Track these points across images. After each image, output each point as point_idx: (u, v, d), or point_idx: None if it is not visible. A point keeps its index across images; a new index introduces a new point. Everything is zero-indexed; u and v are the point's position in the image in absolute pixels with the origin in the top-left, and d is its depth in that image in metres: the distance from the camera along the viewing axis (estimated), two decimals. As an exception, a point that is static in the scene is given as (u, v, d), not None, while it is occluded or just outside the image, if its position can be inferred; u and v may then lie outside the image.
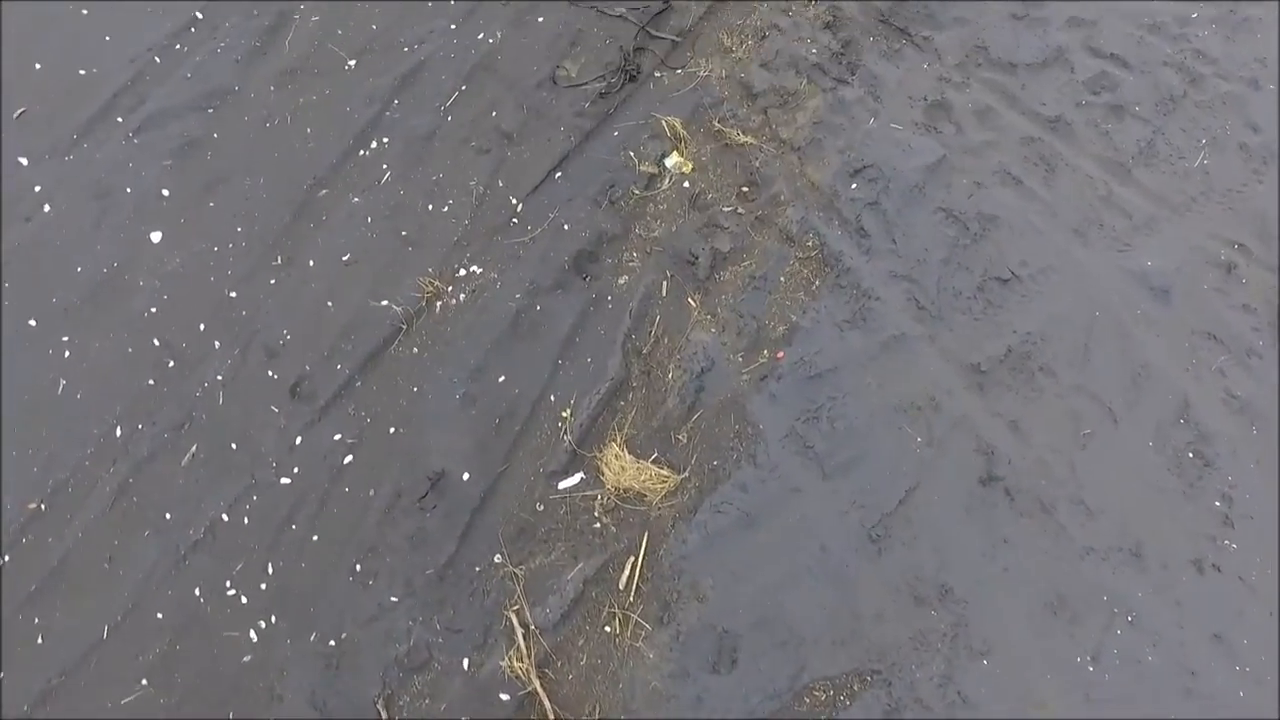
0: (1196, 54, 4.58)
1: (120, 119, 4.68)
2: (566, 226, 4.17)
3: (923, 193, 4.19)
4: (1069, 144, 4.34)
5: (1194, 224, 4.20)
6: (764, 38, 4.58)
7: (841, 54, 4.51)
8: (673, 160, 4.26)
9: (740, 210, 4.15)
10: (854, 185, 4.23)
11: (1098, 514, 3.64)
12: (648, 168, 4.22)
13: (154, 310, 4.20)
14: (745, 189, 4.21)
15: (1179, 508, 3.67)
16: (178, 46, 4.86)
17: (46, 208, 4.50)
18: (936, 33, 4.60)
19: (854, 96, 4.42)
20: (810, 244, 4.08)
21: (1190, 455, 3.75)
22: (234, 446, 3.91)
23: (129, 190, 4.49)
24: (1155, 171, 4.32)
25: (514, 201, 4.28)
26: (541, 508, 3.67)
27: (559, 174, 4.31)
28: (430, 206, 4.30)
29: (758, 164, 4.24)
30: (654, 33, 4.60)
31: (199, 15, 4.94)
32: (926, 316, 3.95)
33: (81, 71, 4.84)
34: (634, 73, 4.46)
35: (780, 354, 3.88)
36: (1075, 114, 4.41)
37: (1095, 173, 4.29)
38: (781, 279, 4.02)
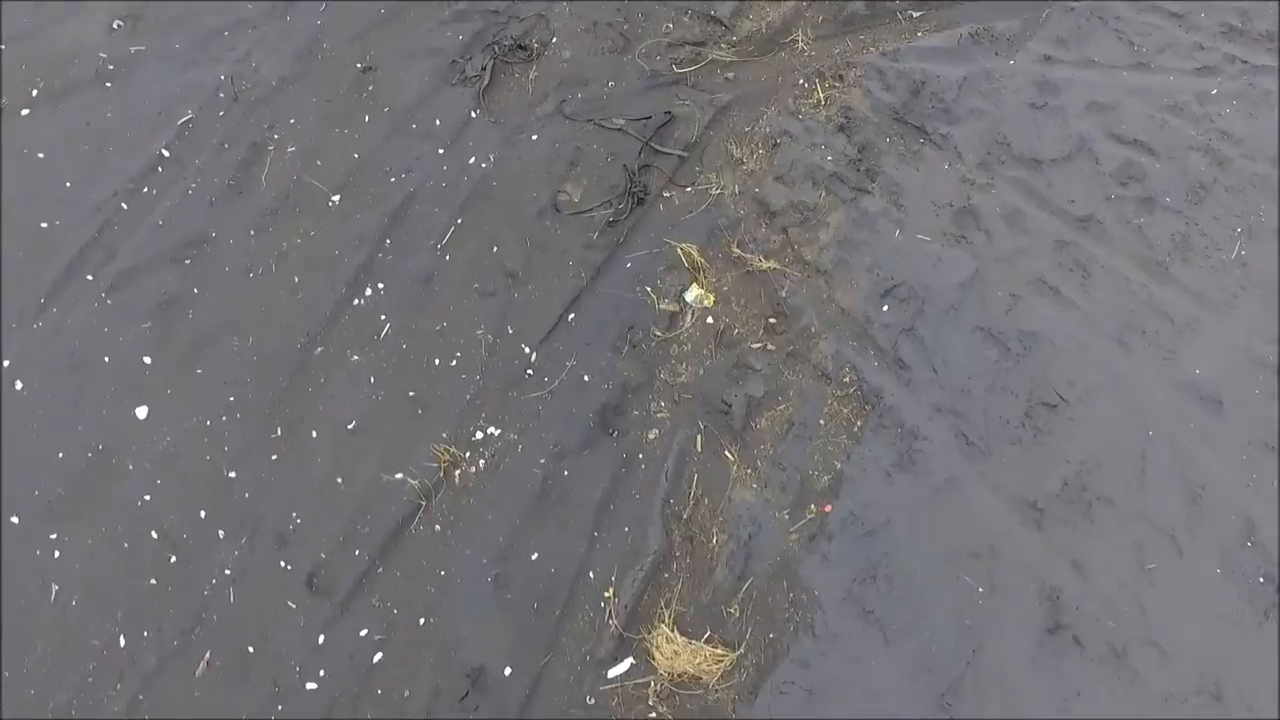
0: (1221, 134, 4.38)
1: (90, 277, 4.31)
2: (587, 377, 3.89)
3: (958, 312, 3.96)
4: (1102, 244, 4.13)
5: (1237, 323, 4.01)
6: (775, 145, 4.30)
7: (859, 160, 4.25)
8: (693, 294, 3.99)
9: (770, 346, 3.90)
10: (886, 308, 4.00)
11: (1172, 655, 3.47)
12: (668, 306, 3.95)
13: (148, 498, 3.87)
14: (773, 320, 3.95)
15: (1256, 640, 3.50)
16: (145, 190, 4.48)
17: (18, 385, 4.13)
18: (954, 128, 4.35)
19: (876, 207, 4.17)
20: (847, 379, 3.84)
21: (1260, 580, 3.58)
22: (251, 650, 3.61)
23: (107, 360, 4.13)
24: (1192, 267, 4.12)
25: (527, 350, 3.98)
26: (592, 701, 3.42)
27: (572, 316, 4.02)
28: (437, 361, 4.00)
29: (784, 293, 3.98)
30: (658, 147, 4.31)
31: (165, 153, 4.56)
32: (976, 453, 3.74)
33: (43, 224, 4.46)
34: (641, 195, 4.17)
35: (828, 507, 3.65)
36: (1105, 210, 4.20)
37: (1132, 274, 4.09)
38: (821, 422, 3.78)
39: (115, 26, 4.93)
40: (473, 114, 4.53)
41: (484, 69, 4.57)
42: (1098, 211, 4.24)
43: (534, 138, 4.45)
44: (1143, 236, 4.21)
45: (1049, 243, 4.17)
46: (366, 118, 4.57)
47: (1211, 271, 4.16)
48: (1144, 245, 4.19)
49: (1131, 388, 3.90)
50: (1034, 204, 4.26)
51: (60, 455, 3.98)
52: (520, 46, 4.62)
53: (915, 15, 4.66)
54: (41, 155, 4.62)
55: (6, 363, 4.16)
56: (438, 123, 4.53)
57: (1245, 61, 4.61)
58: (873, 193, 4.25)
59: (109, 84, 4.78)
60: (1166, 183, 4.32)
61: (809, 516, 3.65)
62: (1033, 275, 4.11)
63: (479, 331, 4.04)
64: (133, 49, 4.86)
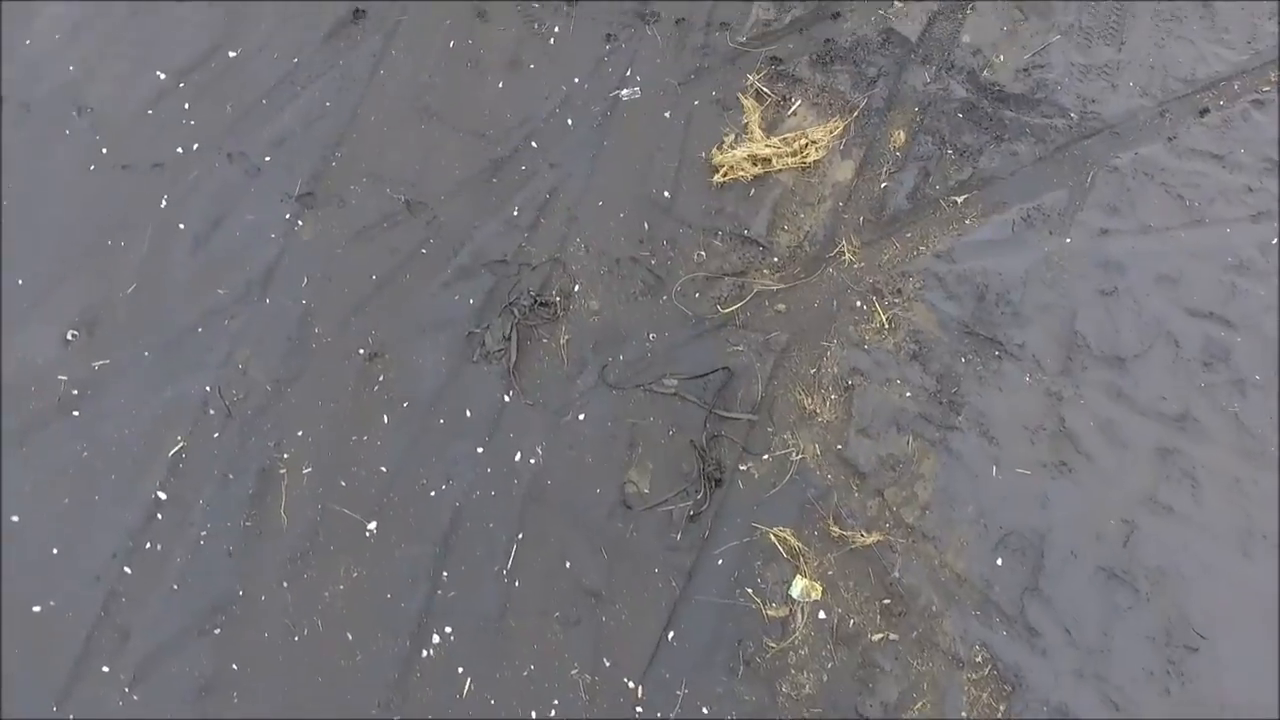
0: (1295, 290, 4.20)
1: (107, 668, 3.77)
2: (705, 708, 3.55)
3: (1077, 557, 3.72)
4: (1203, 444, 3.92)
5: (1354, 506, 3.86)
6: (849, 388, 3.96)
7: (939, 391, 3.95)
8: (799, 588, 3.66)
9: (892, 635, 3.60)
10: (1000, 561, 3.73)
11: None
12: (775, 611, 3.61)
13: None
14: (888, 601, 3.65)
15: None
16: (148, 545, 3.93)
17: (49, 822, 3.60)
18: (1027, 332, 4.07)
19: (969, 445, 3.88)
20: (980, 659, 3.58)
21: None
22: None
23: (150, 773, 3.62)
24: (1296, 450, 3.95)
25: (630, 684, 3.61)
26: None
27: (672, 634, 3.66)
28: (533, 715, 3.59)
29: (895, 571, 3.67)
30: (724, 413, 3.92)
31: (161, 495, 4.00)
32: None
33: (36, 608, 3.89)
34: (717, 475, 3.79)
35: (992, 816, 3.39)
36: (1198, 402, 3.98)
37: (1241, 471, 3.89)
38: (964, 715, 3.51)
39: (70, 338, 4.30)
40: (505, 398, 4.07)
41: (507, 338, 4.10)
42: (1191, 406, 4.02)
43: (581, 418, 4.03)
44: (1241, 425, 4.00)
45: (1150, 452, 3.94)
46: (385, 418, 4.07)
47: (1317, 451, 3.99)
48: (1244, 435, 3.99)
49: (1267, 606, 3.72)
50: (1125, 408, 4.01)
51: None
52: (542, 303, 4.16)
53: (959, 201, 4.34)
54: (16, 519, 4.01)
55: (30, 795, 3.63)
56: (468, 414, 4.06)
57: (1299, 199, 4.43)
58: (961, 428, 3.96)
59: (76, 413, 4.18)
60: (1251, 356, 4.12)
61: (975, 833, 3.40)
62: (1142, 494, 3.88)
63: (573, 671, 3.64)
64: (96, 365, 4.25)
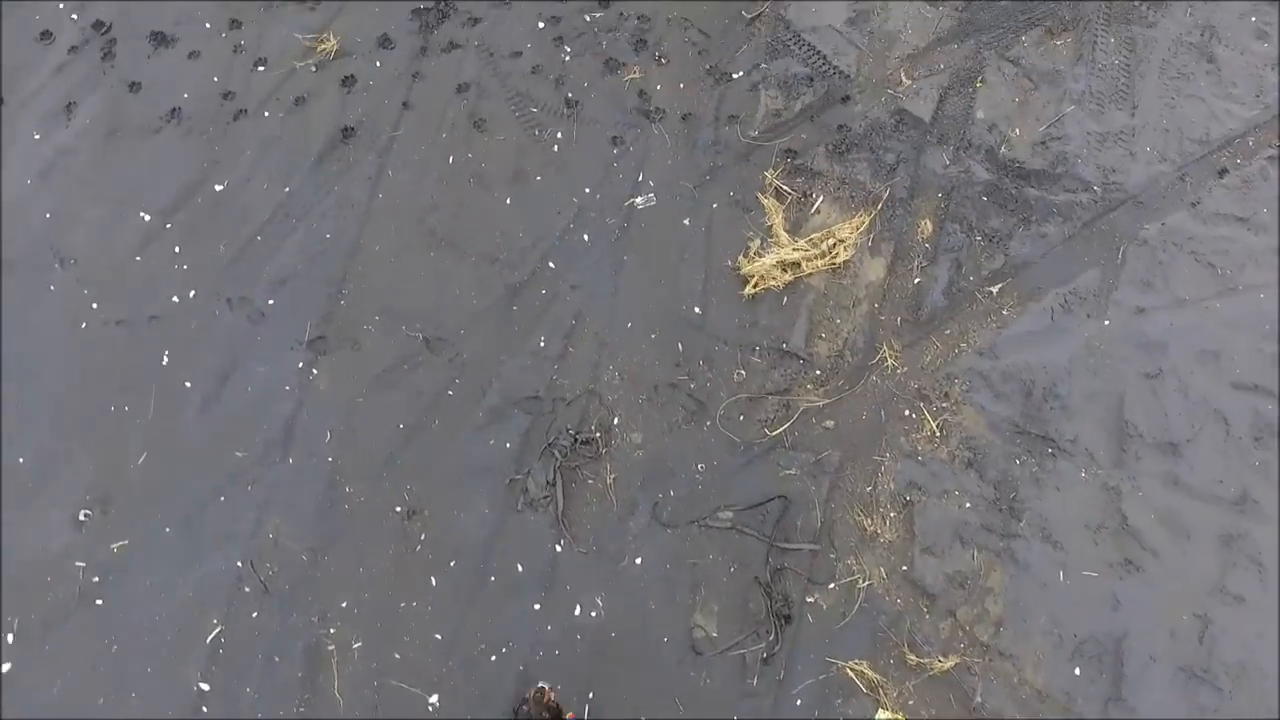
0: (1330, 353, 4.24)
1: None
2: None
3: (1156, 660, 3.72)
4: (1263, 524, 3.96)
5: None
6: (907, 504, 3.93)
7: (998, 499, 3.93)
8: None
9: (983, 763, 3.58)
10: (1078, 671, 3.73)
11: None
12: (863, 752, 3.57)
13: None
14: (973, 727, 3.63)
15: None
16: (197, 738, 3.77)
17: None
18: (1078, 425, 4.08)
19: (1033, 553, 3.88)
20: (1073, 779, 3.57)
21: None
22: None
23: None
24: (1353, 521, 3.99)
25: (724, 844, 3.54)
26: None
27: (760, 785, 3.59)
28: None
29: (978, 695, 3.64)
30: (785, 545, 3.85)
31: (204, 686, 3.83)
32: (1226, 825, 3.53)
33: (81, 828, 3.69)
34: (786, 612, 3.73)
35: None
36: (1254, 481, 4.02)
37: (1302, 550, 3.93)
38: (1063, 841, 3.50)
39: (83, 519, 4.10)
40: (557, 548, 3.96)
41: (551, 483, 3.99)
42: (1249, 487, 4.04)
43: (638, 562, 3.93)
44: (1298, 502, 4.05)
45: (1214, 540, 3.97)
46: (433, 580, 3.94)
47: (1374, 520, 4.04)
48: (1302, 511, 4.04)
49: (1344, 689, 3.77)
50: (1184, 496, 4.03)
51: None
52: (583, 441, 4.06)
53: (994, 291, 4.32)
54: (47, 747, 3.82)
55: None
56: (520, 569, 3.94)
57: (1326, 258, 4.47)
58: (1024, 535, 3.95)
59: (100, 602, 3.98)
60: (1300, 429, 4.17)
61: None
62: (1211, 585, 3.91)
63: (662, 837, 3.57)
64: (114, 546, 4.05)
